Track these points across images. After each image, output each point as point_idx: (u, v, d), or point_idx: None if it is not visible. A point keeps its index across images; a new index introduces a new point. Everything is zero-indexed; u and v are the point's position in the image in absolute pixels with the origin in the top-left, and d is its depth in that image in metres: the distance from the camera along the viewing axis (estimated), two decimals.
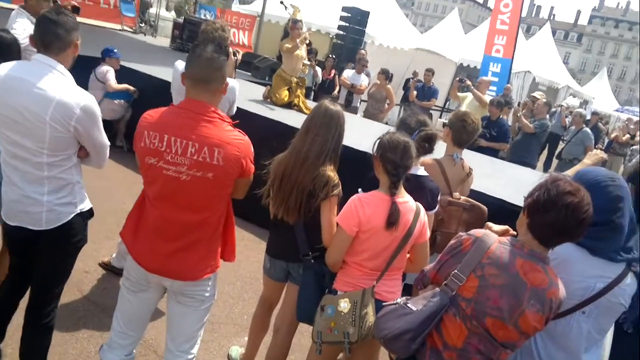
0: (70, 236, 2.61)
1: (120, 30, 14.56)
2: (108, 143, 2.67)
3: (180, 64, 3.76)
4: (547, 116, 8.90)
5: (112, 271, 4.21)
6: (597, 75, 33.91)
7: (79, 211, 2.61)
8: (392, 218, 2.46)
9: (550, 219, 1.87)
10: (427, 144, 3.06)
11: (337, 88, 10.28)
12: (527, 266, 1.91)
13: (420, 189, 2.90)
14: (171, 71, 3.89)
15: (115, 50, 7.28)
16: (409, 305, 2.09)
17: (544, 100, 9.03)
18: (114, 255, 4.25)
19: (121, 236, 2.44)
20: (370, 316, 2.45)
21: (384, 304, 2.30)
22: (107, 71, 7.04)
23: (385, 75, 9.41)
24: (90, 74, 7.03)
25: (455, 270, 1.98)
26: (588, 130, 9.61)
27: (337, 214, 2.63)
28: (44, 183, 2.47)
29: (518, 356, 2.23)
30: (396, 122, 3.26)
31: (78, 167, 2.62)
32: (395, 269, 2.63)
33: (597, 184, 2.11)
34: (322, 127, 2.78)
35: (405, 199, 2.56)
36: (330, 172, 2.74)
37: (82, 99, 2.41)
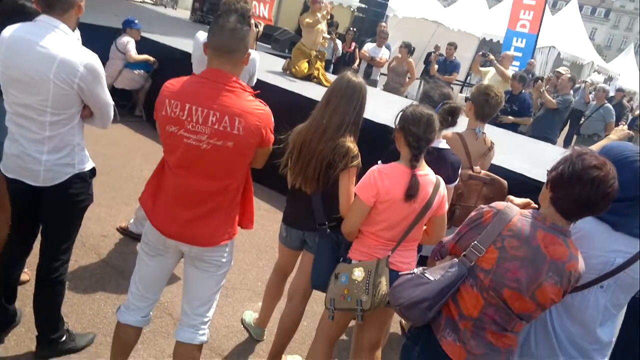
0: (70, 195, 2.67)
1: (141, 2, 14.54)
2: (112, 102, 2.71)
3: (202, 35, 3.77)
4: (571, 92, 8.72)
5: (129, 236, 4.28)
6: (623, 51, 32.99)
7: (77, 171, 2.66)
8: (412, 191, 2.44)
9: (575, 192, 1.84)
10: (450, 117, 3.02)
11: (357, 61, 10.18)
12: (548, 239, 1.90)
13: (441, 162, 2.87)
14: (191, 42, 3.88)
15: (136, 22, 7.29)
16: (426, 275, 2.08)
17: (569, 75, 8.84)
18: (131, 220, 4.31)
19: (140, 202, 2.46)
20: (384, 285, 2.46)
21: (400, 273, 2.30)
22: (128, 42, 7.06)
23: (408, 48, 9.28)
24: (111, 45, 7.07)
25: (475, 242, 1.97)
26: (609, 106, 9.39)
27: (356, 185, 2.63)
28: (44, 142, 2.54)
29: (532, 329, 2.22)
30: (419, 95, 3.22)
31: (80, 128, 2.68)
32: (412, 240, 2.63)
33: (624, 158, 2.06)
34: (343, 98, 2.75)
35: (425, 171, 2.54)
36: (350, 143, 2.73)
37: (86, 57, 2.46)
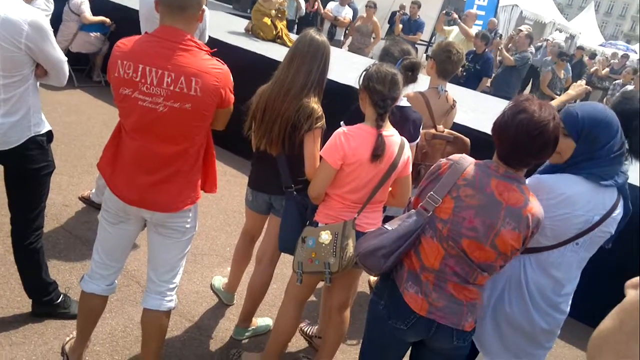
0: (29, 161, 2.63)
1: None
2: (64, 58, 2.63)
3: None
4: (531, 49, 8.80)
5: (91, 205, 4.19)
6: (584, 9, 33.40)
7: (33, 134, 2.61)
8: (378, 151, 2.43)
9: (508, 138, 1.92)
10: (410, 72, 2.99)
11: (321, 21, 10.02)
12: (502, 186, 1.95)
13: (403, 121, 2.87)
14: None
15: None
16: (385, 226, 2.12)
17: (525, 32, 8.89)
18: (93, 190, 4.22)
19: (98, 168, 2.39)
20: (351, 247, 2.47)
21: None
22: (82, 3, 6.75)
23: (374, 8, 9.16)
24: (64, 6, 6.74)
25: (432, 192, 2.01)
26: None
27: (321, 147, 2.61)
28: (0, 105, 2.47)
29: (506, 286, 2.28)
30: (380, 53, 3.18)
31: (35, 89, 2.62)
32: (377, 202, 2.64)
33: (608, 116, 2.15)
34: (306, 56, 2.70)
35: (390, 132, 2.53)
36: (315, 104, 2.69)
37: (29, 15, 2.38)
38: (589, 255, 2.27)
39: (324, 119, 2.71)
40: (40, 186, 2.73)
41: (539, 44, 13.43)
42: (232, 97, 2.30)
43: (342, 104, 2.96)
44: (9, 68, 2.40)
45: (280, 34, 7.04)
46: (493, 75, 8.29)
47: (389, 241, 2.04)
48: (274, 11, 7.01)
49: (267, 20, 6.96)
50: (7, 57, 2.36)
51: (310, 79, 2.69)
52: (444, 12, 9.10)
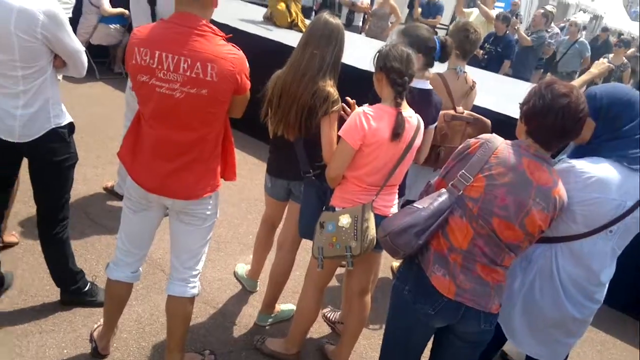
0: (51, 153, 2.66)
1: None
2: (82, 48, 2.65)
3: None
4: (556, 29, 8.61)
5: (115, 196, 4.25)
6: None
7: (54, 125, 2.64)
8: (398, 129, 2.42)
9: (549, 122, 1.92)
10: (426, 55, 2.96)
11: (338, 7, 9.94)
12: (532, 165, 1.95)
13: (426, 103, 2.84)
14: None
15: None
16: (415, 205, 2.10)
17: (542, 11, 8.70)
18: (117, 180, 4.27)
19: (119, 157, 2.42)
20: (372, 229, 2.47)
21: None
22: None
23: None
24: None
25: (463, 171, 2.00)
26: (584, 40, 9.29)
27: (338, 130, 2.60)
28: (19, 96, 2.51)
29: (536, 276, 2.27)
30: (395, 35, 3.14)
31: (54, 80, 2.65)
32: (393, 184, 2.63)
33: (629, 94, 2.15)
34: (321, 39, 2.68)
35: (408, 112, 2.51)
36: (330, 87, 2.68)
37: (44, 4, 2.39)
38: (624, 244, 2.23)
39: (340, 102, 2.70)
40: (64, 178, 2.78)
41: (562, 24, 13.11)
42: (248, 83, 2.29)
43: (361, 89, 2.94)
44: (27, 59, 2.43)
45: (296, 20, 6.98)
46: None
47: (421, 219, 2.01)
48: None
49: (282, 6, 6.91)
50: (25, 48, 2.39)
51: (325, 62, 2.68)
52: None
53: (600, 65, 3.24)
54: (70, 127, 2.76)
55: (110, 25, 6.97)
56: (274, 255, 3.20)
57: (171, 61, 2.11)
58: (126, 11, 7.00)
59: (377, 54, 2.53)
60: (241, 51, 2.25)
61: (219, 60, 2.13)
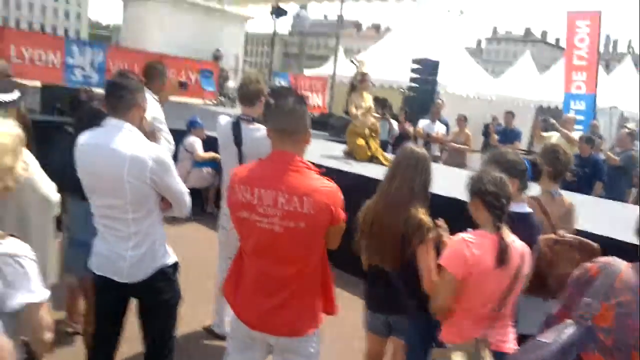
0: (158, 292, 2.72)
1: (202, 104, 15.40)
2: (186, 190, 2.77)
3: (223, 119, 3.90)
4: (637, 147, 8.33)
5: (215, 336, 4.23)
6: None
7: (160, 265, 2.70)
8: (502, 255, 2.32)
9: None
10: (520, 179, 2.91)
11: (414, 139, 10.22)
12: None
13: (527, 227, 2.74)
14: None
15: (200, 121, 7.66)
16: (540, 339, 1.91)
17: (627, 130, 8.50)
18: (215, 320, 4.28)
19: (223, 293, 2.46)
20: None
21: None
22: (194, 141, 7.40)
23: (464, 120, 9.28)
24: (178, 146, 7.39)
25: (587, 299, 1.82)
26: None
27: (436, 257, 2.53)
28: (130, 238, 2.62)
29: None
30: (484, 161, 3.13)
31: (160, 221, 2.76)
32: (506, 316, 2.46)
33: None
34: (408, 168, 2.74)
35: (511, 237, 2.42)
36: (422, 214, 2.66)
37: (153, 151, 2.56)
38: None
39: (436, 230, 2.65)
40: (169, 316, 2.82)
41: None
42: (342, 214, 2.33)
43: (451, 217, 2.89)
44: (137, 202, 2.57)
45: (376, 153, 7.20)
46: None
47: (552, 354, 1.82)
48: (367, 130, 7.21)
49: (361, 141, 7.18)
50: (136, 192, 2.54)
51: (414, 190, 2.71)
52: (541, 119, 8.99)
53: None
54: (175, 266, 2.83)
55: (203, 169, 7.47)
56: None
57: (270, 196, 2.20)
58: (217, 155, 7.51)
59: (470, 180, 2.51)
60: (334, 184, 2.32)
61: (314, 194, 2.20)
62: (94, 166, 2.53)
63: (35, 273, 1.69)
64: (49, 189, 2.70)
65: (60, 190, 2.84)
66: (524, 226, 2.71)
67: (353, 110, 7.10)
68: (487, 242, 2.36)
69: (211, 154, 7.45)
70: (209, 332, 4.28)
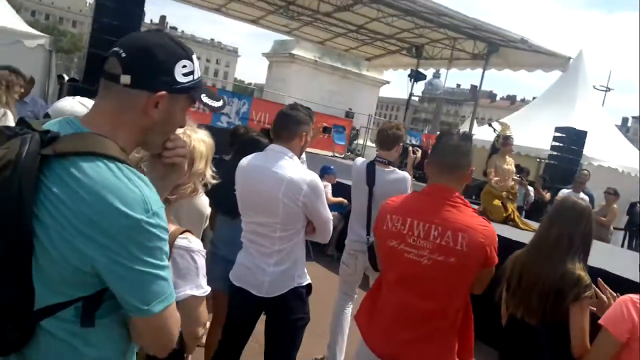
0: (288, 311, 2.78)
1: (331, 156, 15.86)
2: (331, 217, 2.87)
3: (359, 161, 4.17)
4: None
5: None
6: None
7: (296, 284, 2.77)
8: None
9: None
10: None
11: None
12: None
13: None
14: None
15: (332, 167, 7.88)
16: None
17: None
18: (327, 356, 4.21)
19: (355, 320, 2.43)
20: None
21: None
22: (325, 186, 7.59)
23: (616, 195, 8.57)
24: None
25: None
26: None
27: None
28: (273, 255, 2.73)
29: None
30: None
31: (302, 244, 2.85)
32: None
33: None
34: (569, 220, 2.52)
35: None
36: (581, 270, 2.42)
37: (308, 176, 2.68)
38: None
39: (593, 289, 2.38)
40: (295, 337, 2.84)
41: None
42: (496, 257, 2.21)
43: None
44: (287, 222, 2.70)
45: (512, 215, 6.89)
46: None
47: None
48: (505, 193, 6.95)
49: (498, 202, 6.91)
50: (288, 213, 2.67)
51: (574, 243, 2.48)
52: None
53: None
54: (309, 287, 2.88)
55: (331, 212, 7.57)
56: None
57: (422, 228, 2.15)
58: (344, 200, 7.62)
59: None
60: (492, 225, 2.20)
61: (470, 231, 2.11)
62: (254, 184, 2.70)
63: (203, 269, 1.76)
64: (204, 202, 2.87)
65: (211, 207, 3.02)
66: None
67: (492, 172, 6.89)
68: None
69: (339, 199, 7.57)
70: None
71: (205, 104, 1.32)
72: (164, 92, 1.22)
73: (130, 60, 1.20)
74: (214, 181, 1.88)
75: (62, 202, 1.09)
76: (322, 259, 7.60)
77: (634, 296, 2.15)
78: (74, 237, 1.09)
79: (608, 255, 5.79)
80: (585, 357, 2.25)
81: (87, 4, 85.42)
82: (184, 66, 1.25)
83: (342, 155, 16.47)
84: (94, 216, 1.09)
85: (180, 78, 1.24)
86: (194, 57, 1.30)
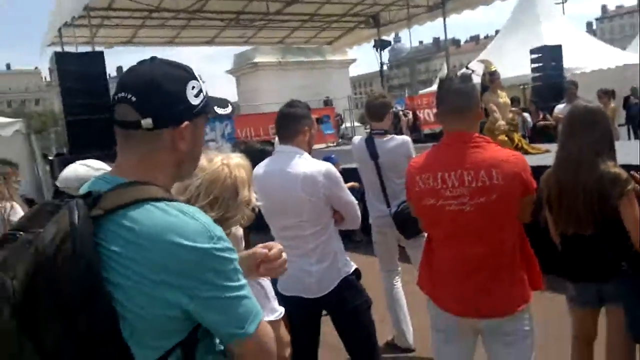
0: (346, 302, 2.76)
1: (325, 147, 15.85)
2: (355, 201, 2.85)
3: (356, 138, 4.18)
4: None
5: (399, 349, 4.14)
6: None
7: (344, 275, 2.76)
8: None
9: None
10: None
11: (554, 124, 9.63)
12: None
13: None
14: None
15: (333, 156, 7.87)
16: None
17: None
18: (394, 333, 4.20)
19: (419, 286, 2.42)
20: None
21: None
22: None
23: (608, 95, 8.58)
24: None
25: None
26: None
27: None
28: (310, 255, 2.71)
29: None
30: None
31: (337, 234, 2.84)
32: None
33: None
34: (586, 124, 2.54)
35: None
36: (615, 168, 2.45)
37: (322, 167, 2.70)
38: None
39: (632, 181, 2.41)
40: (363, 322, 2.83)
41: None
42: (534, 182, 2.21)
43: None
44: (313, 218, 2.69)
45: (520, 144, 6.92)
46: None
47: None
48: (502, 124, 6.86)
49: (503, 136, 6.91)
50: (312, 208, 2.66)
51: (599, 144, 2.51)
52: None
53: None
54: (357, 273, 2.87)
55: None
56: None
57: (455, 178, 2.14)
58: (356, 184, 7.62)
59: None
60: (520, 153, 2.22)
61: (502, 164, 2.11)
62: (274, 189, 2.67)
63: (272, 293, 1.76)
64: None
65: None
66: None
67: (494, 109, 6.89)
68: None
69: (350, 184, 7.54)
70: (394, 347, 4.19)
71: (220, 115, 1.32)
72: (187, 123, 1.19)
73: (143, 103, 1.15)
74: (260, 203, 1.83)
75: (126, 257, 1.07)
76: (351, 247, 7.58)
77: None
78: (153, 289, 1.07)
79: (624, 151, 5.81)
80: None
81: (44, 79, 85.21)
82: (193, 87, 1.21)
83: (335, 143, 16.44)
84: (163, 260, 1.07)
85: (194, 101, 1.21)
86: (194, 71, 1.25)
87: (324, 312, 2.90)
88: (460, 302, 2.23)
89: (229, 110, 1.38)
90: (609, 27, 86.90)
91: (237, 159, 1.79)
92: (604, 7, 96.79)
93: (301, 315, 2.80)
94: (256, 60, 21.84)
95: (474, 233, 2.17)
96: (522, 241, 2.28)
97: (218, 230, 1.14)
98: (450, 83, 2.30)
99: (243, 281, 1.18)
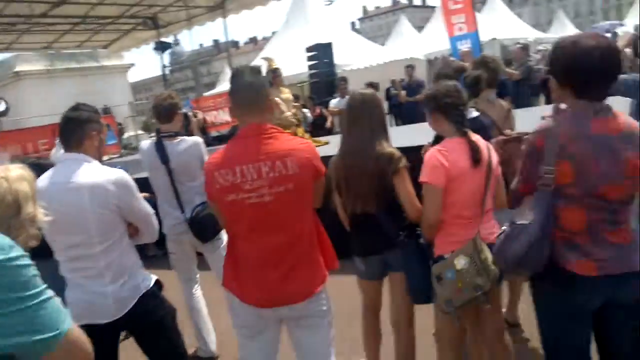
0: (150, 314, 2.61)
1: (108, 160, 14.81)
2: (152, 211, 2.69)
3: (145, 143, 3.88)
4: (534, 56, 8.89)
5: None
6: (557, 20, 34.42)
7: (144, 290, 2.59)
8: (476, 154, 2.43)
9: (586, 67, 1.87)
10: (474, 86, 3.07)
11: (330, 119, 10.39)
12: (599, 123, 1.89)
13: (479, 129, 2.87)
14: None
15: (118, 166, 7.36)
16: (517, 222, 2.01)
17: (519, 45, 9.10)
18: (199, 344, 4.05)
19: (225, 287, 2.40)
20: (490, 258, 2.36)
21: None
22: None
23: (373, 87, 9.50)
24: None
25: (543, 167, 1.92)
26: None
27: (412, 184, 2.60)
28: (104, 274, 2.48)
29: None
30: (433, 77, 3.30)
31: (131, 248, 2.64)
32: (489, 210, 2.58)
33: None
34: (364, 110, 2.79)
35: (475, 136, 2.53)
36: (388, 147, 2.72)
37: (112, 175, 2.48)
38: None
39: (405, 158, 2.71)
40: (170, 333, 2.71)
41: (537, 55, 13.63)
42: (322, 166, 2.34)
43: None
44: (102, 232, 2.44)
45: (304, 137, 7.28)
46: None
47: (535, 231, 1.93)
48: (289, 114, 7.14)
49: (290, 130, 7.23)
50: (100, 222, 2.42)
51: (374, 127, 2.76)
52: (442, 57, 9.39)
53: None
54: (158, 284, 2.71)
55: None
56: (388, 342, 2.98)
57: (253, 170, 2.17)
58: (147, 194, 7.24)
59: (426, 98, 2.59)
60: (309, 141, 2.36)
61: (294, 152, 2.20)
62: (55, 204, 2.30)
63: None
64: None
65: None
66: (475, 128, 2.82)
67: (278, 105, 7.10)
68: (457, 147, 2.46)
69: (142, 195, 7.17)
70: (198, 358, 4.05)
71: None
72: None
73: None
74: (48, 218, 1.58)
75: None
76: (146, 263, 7.14)
77: (438, 146, 2.50)
78: None
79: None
80: (419, 214, 2.57)
81: None
82: None
83: (119, 155, 15.46)
84: None
85: None
86: None
87: (123, 333, 2.69)
88: (267, 293, 2.26)
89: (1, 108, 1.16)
90: (370, 26, 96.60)
91: (19, 171, 1.54)
92: (364, 8, 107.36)
93: (96, 347, 2.55)
94: (18, 68, 19.41)
95: (275, 224, 2.22)
96: (317, 224, 2.39)
97: (6, 240, 1.13)
98: (241, 76, 2.30)
99: (42, 286, 1.17)
